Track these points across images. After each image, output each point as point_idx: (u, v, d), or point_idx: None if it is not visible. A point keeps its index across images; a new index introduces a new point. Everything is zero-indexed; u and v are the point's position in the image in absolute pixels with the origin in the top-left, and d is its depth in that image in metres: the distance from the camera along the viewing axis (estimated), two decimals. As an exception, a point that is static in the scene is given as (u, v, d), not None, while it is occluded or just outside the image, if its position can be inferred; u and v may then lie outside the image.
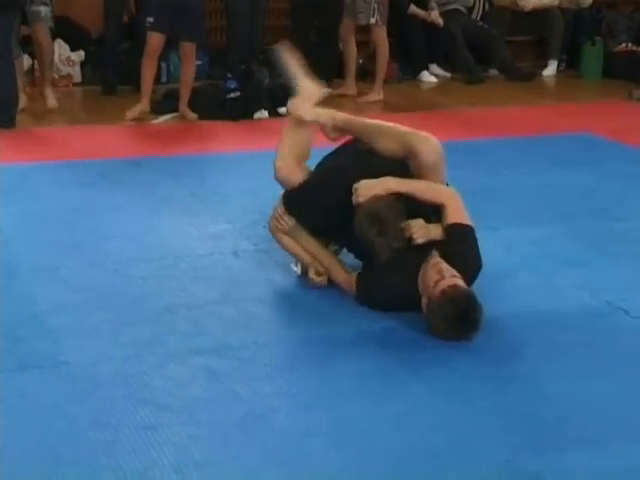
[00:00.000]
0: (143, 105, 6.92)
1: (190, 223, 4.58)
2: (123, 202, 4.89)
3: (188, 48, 6.86)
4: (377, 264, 3.58)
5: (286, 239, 3.83)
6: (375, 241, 3.51)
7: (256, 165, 5.67)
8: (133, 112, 6.85)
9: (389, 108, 7.50)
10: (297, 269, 3.91)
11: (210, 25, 8.62)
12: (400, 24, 8.49)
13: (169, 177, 5.36)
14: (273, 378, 3.09)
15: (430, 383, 3.09)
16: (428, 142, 3.69)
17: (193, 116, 6.90)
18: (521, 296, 3.75)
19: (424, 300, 3.39)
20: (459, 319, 3.29)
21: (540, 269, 4.03)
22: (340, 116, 3.98)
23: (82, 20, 8.18)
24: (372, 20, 7.68)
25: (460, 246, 3.51)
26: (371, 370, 3.18)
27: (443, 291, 3.30)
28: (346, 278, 3.68)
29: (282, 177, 3.88)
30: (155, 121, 6.86)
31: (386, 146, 3.75)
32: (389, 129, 3.83)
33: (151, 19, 6.71)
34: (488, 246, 3.69)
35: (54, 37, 7.44)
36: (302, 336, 3.39)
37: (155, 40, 6.77)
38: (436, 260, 3.42)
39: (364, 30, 7.99)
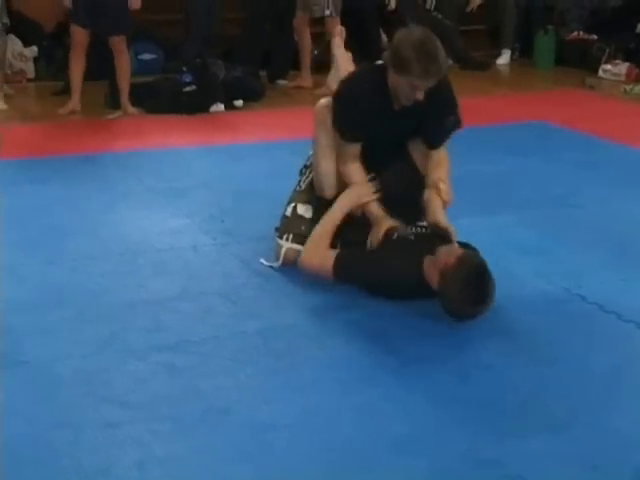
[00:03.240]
0: (74, 102, 6.84)
1: (148, 218, 4.56)
2: (79, 199, 4.85)
3: (116, 42, 6.72)
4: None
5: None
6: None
7: (213, 159, 5.70)
8: (64, 109, 6.80)
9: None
10: (266, 262, 3.92)
11: (166, 19, 8.57)
12: (355, 13, 8.45)
13: (125, 172, 5.34)
14: (234, 372, 3.09)
15: (393, 373, 3.10)
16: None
17: (133, 110, 6.85)
18: (479, 284, 3.77)
19: (436, 278, 3.37)
20: (476, 279, 3.29)
21: (498, 257, 4.01)
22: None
23: (35, 15, 8.09)
24: (327, 12, 7.70)
25: None
26: (333, 361, 3.19)
27: (459, 257, 3.33)
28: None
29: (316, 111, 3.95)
30: (110, 116, 6.81)
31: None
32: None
33: (72, 9, 6.61)
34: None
35: (6, 33, 7.33)
36: (262, 329, 3.39)
37: (78, 34, 6.65)
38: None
39: (319, 22, 7.98)
